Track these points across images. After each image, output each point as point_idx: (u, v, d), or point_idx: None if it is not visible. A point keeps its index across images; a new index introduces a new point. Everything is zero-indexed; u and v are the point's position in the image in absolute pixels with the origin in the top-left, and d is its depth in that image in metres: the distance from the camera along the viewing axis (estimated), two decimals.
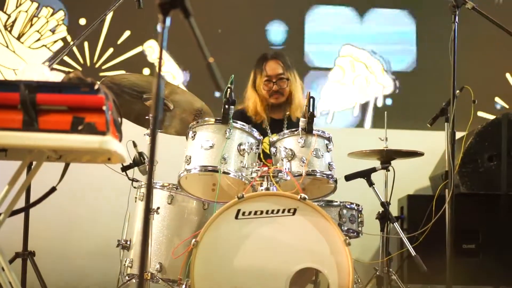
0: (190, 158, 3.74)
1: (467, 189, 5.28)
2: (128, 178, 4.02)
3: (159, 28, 2.07)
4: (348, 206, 4.15)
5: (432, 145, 5.30)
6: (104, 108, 2.31)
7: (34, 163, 2.63)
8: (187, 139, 3.86)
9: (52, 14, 6.24)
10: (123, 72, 6.07)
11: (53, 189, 2.92)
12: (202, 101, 4.10)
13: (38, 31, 6.21)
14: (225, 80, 4.03)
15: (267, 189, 3.71)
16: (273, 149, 3.88)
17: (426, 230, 4.25)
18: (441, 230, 4.05)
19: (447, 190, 3.99)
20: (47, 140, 2.28)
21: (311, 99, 3.79)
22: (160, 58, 2.12)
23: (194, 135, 3.78)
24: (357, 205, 4.22)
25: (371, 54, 6.38)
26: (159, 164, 3.85)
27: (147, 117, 3.97)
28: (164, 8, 2.05)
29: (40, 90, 2.30)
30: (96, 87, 2.32)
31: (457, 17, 3.91)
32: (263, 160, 4.51)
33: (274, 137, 3.89)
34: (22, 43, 6.18)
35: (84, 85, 2.34)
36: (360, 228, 4.21)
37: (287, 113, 4.74)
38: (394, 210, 5.43)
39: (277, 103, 4.72)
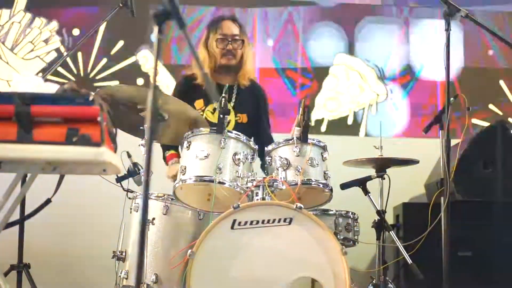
0: (185, 168, 3.73)
1: (462, 197, 5.27)
2: (123, 189, 4.00)
3: (153, 38, 2.06)
4: (344, 215, 4.14)
5: (427, 152, 5.30)
6: (99, 119, 2.31)
7: (28, 174, 2.62)
8: (181, 149, 3.85)
9: (45, 25, 6.22)
10: (117, 82, 6.07)
11: (48, 201, 2.92)
12: (196, 111, 4.09)
13: (31, 42, 6.19)
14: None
15: (263, 198, 3.70)
16: (268, 158, 3.87)
17: (422, 238, 4.25)
18: (437, 237, 4.04)
19: (442, 197, 3.99)
20: (42, 152, 2.28)
21: (306, 108, 3.79)
22: (155, 68, 2.12)
23: (189, 145, 3.78)
24: (353, 213, 4.21)
25: (365, 62, 6.38)
26: (153, 174, 3.83)
27: (141, 128, 3.95)
28: (159, 19, 2.04)
29: (34, 102, 2.30)
30: (90, 98, 2.32)
31: (450, 25, 3.91)
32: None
33: (269, 147, 3.89)
34: (16, 54, 6.17)
35: (78, 96, 2.33)
36: (356, 237, 4.20)
37: (236, 81, 4.62)
38: (389, 218, 5.41)
39: (227, 65, 4.56)
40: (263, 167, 4.04)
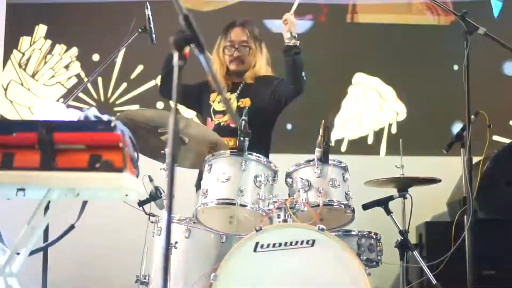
0: (206, 191, 3.73)
1: (485, 215, 5.23)
2: (145, 213, 4.01)
3: (174, 64, 2.07)
4: (367, 235, 4.11)
5: (448, 170, 5.27)
6: (120, 145, 2.32)
7: (52, 201, 2.63)
8: (203, 172, 3.86)
9: (66, 51, 6.29)
10: (137, 106, 6.11)
11: (71, 227, 2.93)
12: (216, 134, 4.11)
13: (52, 68, 6.26)
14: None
15: (285, 220, 3.69)
16: (289, 180, 3.87)
17: (446, 258, 4.21)
18: (461, 257, 4.01)
19: (465, 216, 3.96)
20: (65, 178, 2.30)
21: (326, 129, 3.79)
22: (176, 93, 2.13)
23: (210, 168, 3.79)
24: (376, 234, 4.18)
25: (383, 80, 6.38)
26: (175, 198, 3.84)
27: (162, 152, 3.97)
28: (178, 44, 2.06)
29: (57, 129, 2.32)
30: (112, 124, 2.34)
31: (469, 43, 3.91)
32: (212, 117, 4.54)
33: (290, 168, 3.88)
34: (37, 80, 6.23)
35: (100, 122, 2.35)
36: (379, 257, 4.16)
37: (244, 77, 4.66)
38: (412, 238, 5.38)
39: (236, 70, 4.63)
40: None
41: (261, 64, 4.68)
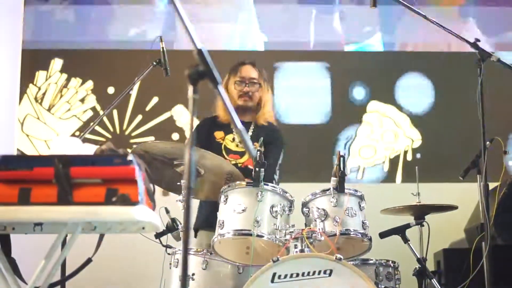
0: (223, 223, 3.74)
1: (503, 241, 5.20)
2: (162, 245, 4.01)
3: (189, 98, 2.09)
4: (384, 264, 4.09)
5: (465, 197, 5.24)
6: (137, 178, 2.34)
7: (69, 235, 2.64)
8: (219, 203, 3.86)
9: (81, 84, 6.34)
10: (152, 138, 6.13)
11: (89, 261, 2.92)
12: (231, 164, 4.12)
13: (68, 102, 6.31)
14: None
15: (302, 250, 3.69)
16: (305, 210, 3.87)
17: (465, 285, 4.19)
18: (480, 283, 3.98)
19: (483, 242, 3.93)
20: (82, 213, 2.31)
21: (341, 158, 3.79)
22: (191, 127, 2.14)
23: (226, 199, 3.79)
24: (393, 262, 4.16)
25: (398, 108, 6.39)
26: (191, 230, 3.85)
27: (178, 183, 3.98)
28: (193, 78, 2.07)
29: (73, 164, 2.34)
30: (128, 158, 2.35)
31: (482, 70, 3.91)
32: (226, 156, 4.54)
33: (306, 198, 3.89)
34: (53, 114, 6.28)
35: (116, 156, 2.37)
36: (397, 286, 4.14)
37: (254, 119, 4.71)
38: (430, 265, 5.35)
39: (244, 106, 4.67)
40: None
41: (270, 105, 4.76)
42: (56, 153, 2.46)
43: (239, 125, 2.26)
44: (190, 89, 2.04)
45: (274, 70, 6.40)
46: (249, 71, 4.72)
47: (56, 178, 2.31)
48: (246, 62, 4.79)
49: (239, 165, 4.54)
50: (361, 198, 3.87)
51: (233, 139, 4.62)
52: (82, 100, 6.32)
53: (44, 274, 2.56)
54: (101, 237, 2.87)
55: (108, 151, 2.57)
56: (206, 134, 4.65)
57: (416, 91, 6.46)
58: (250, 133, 4.65)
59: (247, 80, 4.68)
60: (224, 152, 4.57)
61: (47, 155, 2.40)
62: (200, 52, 2.07)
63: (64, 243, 2.90)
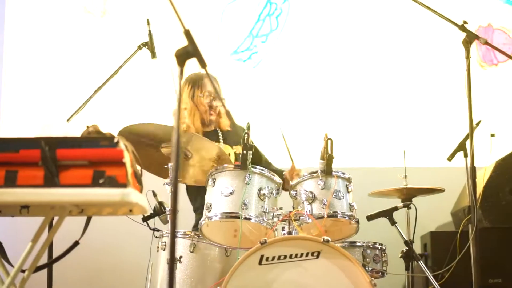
0: (210, 205, 3.73)
1: (490, 224, 5.22)
2: (150, 228, 4.02)
3: (176, 78, 2.08)
4: (372, 246, 4.10)
5: (452, 180, 5.26)
6: (124, 160, 2.33)
7: (56, 218, 2.63)
8: (207, 186, 3.86)
9: None
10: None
11: (76, 243, 2.91)
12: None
13: None
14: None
15: (289, 233, 3.69)
16: (293, 192, 3.86)
17: (452, 267, 4.21)
18: (466, 266, 4.00)
19: (470, 225, 3.95)
20: (69, 195, 2.30)
21: (329, 141, 3.79)
22: (179, 107, 2.13)
23: (214, 182, 3.79)
24: (380, 244, 4.17)
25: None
26: (179, 213, 3.84)
27: (165, 167, 3.97)
28: (180, 59, 2.06)
29: (60, 146, 2.32)
30: (115, 140, 2.34)
31: (470, 52, 3.91)
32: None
33: (293, 181, 3.89)
34: None
35: (103, 138, 2.35)
36: (384, 268, 4.15)
37: (218, 126, 4.76)
38: (417, 248, 5.38)
39: (211, 119, 4.70)
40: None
41: (225, 117, 4.77)
42: (42, 135, 2.44)
43: (225, 109, 2.25)
44: (178, 69, 2.04)
45: None
46: (210, 85, 4.68)
47: (42, 160, 2.30)
48: (205, 75, 4.73)
49: None
50: (349, 180, 3.88)
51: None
52: None
53: (31, 257, 2.55)
54: (88, 219, 2.86)
55: (95, 133, 2.54)
56: None
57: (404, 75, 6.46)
58: (221, 139, 4.70)
59: (212, 95, 4.67)
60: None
61: (33, 137, 2.38)
62: (187, 32, 2.06)
63: (51, 225, 2.90)
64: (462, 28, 3.90)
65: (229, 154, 4.58)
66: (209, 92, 4.67)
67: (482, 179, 5.18)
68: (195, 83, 4.72)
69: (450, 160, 4.36)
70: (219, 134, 4.74)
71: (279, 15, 6.29)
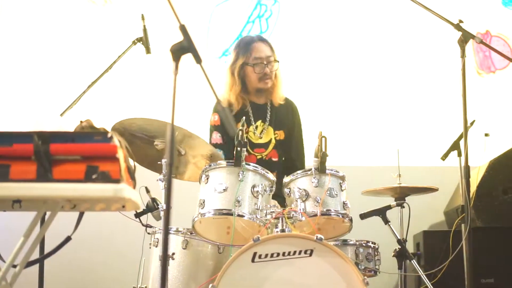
0: (204, 202, 3.72)
1: (483, 223, 5.23)
2: (142, 224, 4.00)
3: (173, 73, 2.07)
4: (365, 245, 4.11)
5: (445, 179, 5.27)
6: (117, 155, 2.31)
7: (48, 213, 2.61)
8: (200, 183, 3.85)
9: None
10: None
11: (68, 239, 2.90)
12: (211, 146, 4.10)
13: None
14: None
15: (283, 230, 3.68)
16: (286, 190, 3.85)
17: (444, 267, 4.21)
18: (459, 265, 4.01)
19: (463, 224, 3.95)
20: (62, 190, 2.28)
21: (323, 139, 3.78)
22: (173, 102, 2.12)
23: (207, 178, 3.77)
24: (373, 243, 4.17)
25: None
26: (172, 209, 3.83)
27: (159, 162, 3.96)
28: (175, 53, 2.05)
29: (53, 140, 2.31)
30: (109, 135, 2.32)
31: (465, 52, 3.91)
32: (250, 151, 4.47)
33: (287, 178, 3.87)
34: None
35: (97, 133, 2.34)
36: (377, 267, 4.16)
37: (269, 100, 4.61)
38: (410, 247, 5.38)
39: (264, 88, 4.53)
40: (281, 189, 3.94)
41: (282, 79, 4.59)
42: (36, 129, 2.42)
43: (223, 103, 2.24)
44: (174, 64, 2.03)
45: None
46: (264, 50, 4.50)
47: (35, 154, 2.28)
48: (256, 39, 4.59)
49: (264, 157, 4.52)
50: (343, 178, 3.87)
51: (255, 128, 4.56)
52: None
53: (22, 252, 2.54)
54: (81, 215, 2.84)
55: (89, 128, 2.53)
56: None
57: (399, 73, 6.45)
58: (268, 117, 4.59)
59: (265, 61, 4.49)
60: (249, 147, 4.40)
61: (26, 131, 2.36)
62: (183, 27, 2.05)
63: (43, 221, 2.88)
64: (458, 27, 3.90)
65: (269, 140, 4.52)
66: (260, 58, 4.46)
67: (475, 179, 5.18)
68: (241, 50, 4.52)
69: (444, 160, 4.36)
70: (268, 110, 4.60)
71: (269, 17, 6.27)
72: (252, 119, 4.56)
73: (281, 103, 4.61)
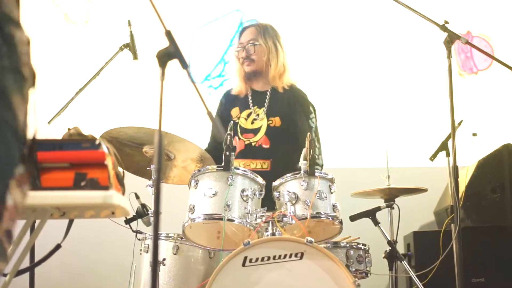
0: (193, 207, 3.72)
1: (472, 223, 5.25)
2: (132, 230, 4.00)
3: (159, 79, 2.07)
4: (355, 247, 4.10)
5: (434, 180, 5.29)
6: (106, 162, 2.31)
7: (37, 221, 2.61)
8: (189, 188, 3.84)
9: None
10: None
11: (58, 247, 2.89)
12: (201, 148, 4.10)
13: None
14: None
15: (273, 234, 3.68)
16: (276, 193, 3.85)
17: (435, 267, 4.22)
18: (450, 265, 4.02)
19: (453, 224, 3.97)
20: (50, 198, 2.27)
21: (312, 141, 3.78)
22: (160, 108, 2.12)
23: (197, 183, 3.77)
24: (364, 245, 4.18)
25: None
26: (162, 215, 3.82)
27: (148, 168, 3.96)
28: (161, 59, 2.05)
29: (40, 148, 2.29)
30: (97, 142, 2.32)
31: (451, 52, 3.93)
32: (240, 136, 4.49)
33: (276, 182, 3.87)
34: None
35: (85, 141, 2.33)
36: (368, 268, 4.15)
37: (269, 85, 4.61)
38: (400, 247, 5.39)
39: (250, 71, 4.56)
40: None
41: (283, 65, 4.58)
42: None
43: (208, 109, 2.23)
44: (159, 70, 2.02)
45: None
46: (248, 34, 4.60)
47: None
48: (248, 25, 4.69)
49: (253, 144, 4.50)
50: (332, 181, 3.87)
51: (249, 114, 4.55)
52: None
53: (12, 261, 2.53)
54: (70, 222, 2.84)
55: (77, 135, 2.52)
56: (226, 112, 4.62)
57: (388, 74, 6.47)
58: (267, 100, 4.58)
59: (245, 44, 4.57)
60: (238, 132, 4.48)
61: None
62: (168, 33, 2.05)
63: (32, 229, 2.87)
64: (443, 28, 3.92)
65: (260, 126, 4.50)
66: (241, 43, 4.58)
67: (464, 179, 5.21)
68: (238, 37, 4.68)
69: (432, 160, 4.38)
70: (267, 96, 4.60)
71: None
72: (251, 105, 4.57)
73: (286, 89, 4.59)
